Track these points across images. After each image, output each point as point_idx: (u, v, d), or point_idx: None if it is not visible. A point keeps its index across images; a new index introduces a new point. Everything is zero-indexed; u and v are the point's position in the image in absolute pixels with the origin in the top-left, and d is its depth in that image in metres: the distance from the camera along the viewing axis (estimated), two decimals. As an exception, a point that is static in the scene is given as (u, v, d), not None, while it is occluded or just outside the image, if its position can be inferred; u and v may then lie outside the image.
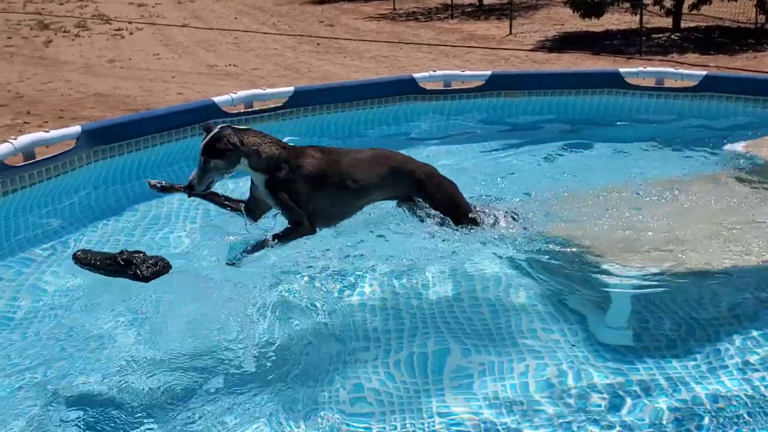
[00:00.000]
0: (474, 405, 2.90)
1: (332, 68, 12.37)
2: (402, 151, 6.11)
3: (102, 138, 5.31)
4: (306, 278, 3.72)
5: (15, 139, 4.83)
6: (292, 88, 6.47)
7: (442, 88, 6.85)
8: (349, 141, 6.45)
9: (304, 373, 3.10)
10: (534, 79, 7.03)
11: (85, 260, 3.47)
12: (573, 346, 3.28)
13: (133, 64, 13.06)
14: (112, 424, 2.87)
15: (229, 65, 12.80)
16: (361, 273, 3.79)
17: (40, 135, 5.02)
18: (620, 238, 3.91)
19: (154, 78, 11.66)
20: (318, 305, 3.54)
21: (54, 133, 5.09)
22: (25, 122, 8.89)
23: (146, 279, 3.42)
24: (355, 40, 15.74)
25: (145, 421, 2.88)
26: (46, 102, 10.04)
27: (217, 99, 6.07)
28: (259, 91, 6.41)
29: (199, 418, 2.87)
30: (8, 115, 9.27)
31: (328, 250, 3.86)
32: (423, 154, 6.07)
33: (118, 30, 17.47)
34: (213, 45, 15.29)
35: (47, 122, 8.70)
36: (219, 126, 3.65)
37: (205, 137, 3.59)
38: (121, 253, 3.47)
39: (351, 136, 6.55)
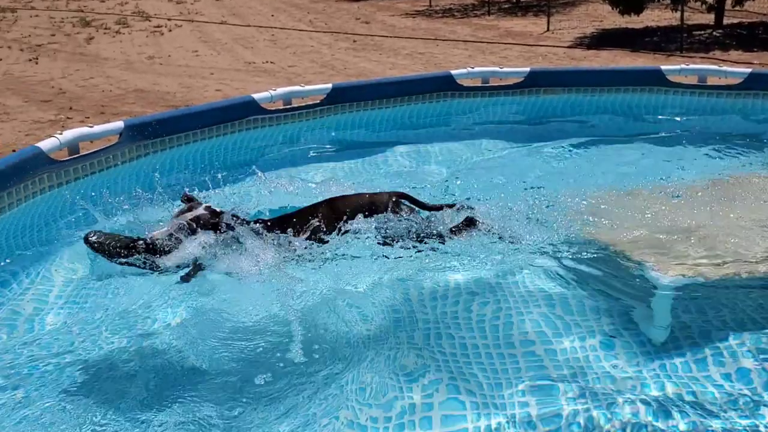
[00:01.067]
0: (516, 409, 2.88)
1: (368, 65, 12.39)
2: (438, 146, 6.18)
3: (144, 133, 5.39)
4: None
5: (60, 134, 4.92)
6: (329, 85, 6.49)
7: (480, 84, 6.81)
8: (386, 138, 6.47)
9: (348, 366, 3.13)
10: (574, 76, 6.94)
11: (100, 247, 3.42)
12: (612, 336, 3.28)
13: (172, 60, 13.24)
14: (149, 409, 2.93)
15: (267, 62, 12.89)
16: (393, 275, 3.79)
17: (84, 130, 5.10)
18: (662, 239, 3.84)
19: (192, 74, 11.80)
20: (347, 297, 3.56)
21: (98, 128, 5.18)
22: (68, 117, 9.07)
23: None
24: (391, 37, 15.75)
25: (186, 406, 2.93)
26: (87, 98, 10.23)
27: (256, 96, 6.12)
28: (297, 87, 6.45)
29: (234, 406, 2.90)
30: (52, 110, 9.47)
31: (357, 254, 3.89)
32: (460, 151, 6.08)
33: (158, 27, 17.72)
34: (250, 42, 15.42)
35: (89, 117, 8.86)
36: (203, 205, 3.75)
37: (186, 210, 3.71)
38: (137, 240, 3.44)
39: (388, 132, 6.56)
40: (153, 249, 3.55)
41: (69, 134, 4.96)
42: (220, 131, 5.83)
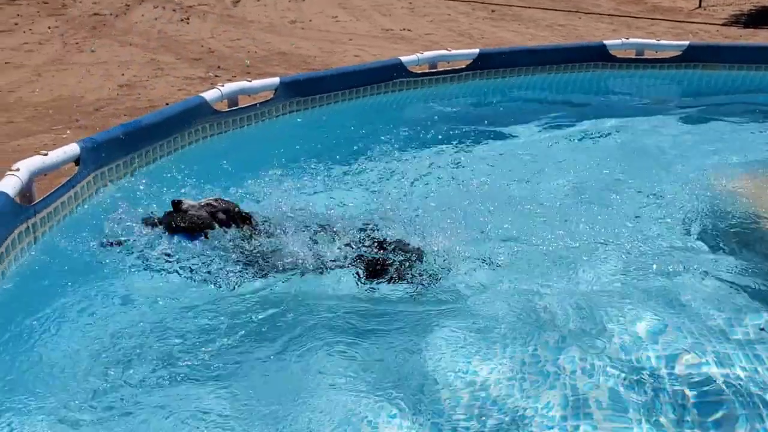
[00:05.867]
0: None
1: (506, 35, 12.15)
2: (584, 121, 5.98)
3: (298, 90, 5.56)
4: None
5: (222, 86, 5.16)
6: (476, 50, 6.43)
7: (633, 57, 6.54)
8: (529, 106, 6.35)
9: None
10: (737, 53, 6.53)
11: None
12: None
13: (313, 25, 13.53)
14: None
15: (404, 30, 12.92)
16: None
17: (243, 84, 5.32)
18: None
19: (332, 39, 12.01)
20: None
21: (256, 83, 5.39)
22: (216, 75, 9.46)
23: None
24: (530, 7, 15.35)
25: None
26: (234, 58, 10.63)
27: (404, 58, 6.17)
28: (444, 51, 6.43)
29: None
30: (202, 68, 9.92)
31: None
32: (607, 124, 5.88)
33: (299, -8, 18.12)
34: (388, 9, 15.48)
35: (235, 76, 9.21)
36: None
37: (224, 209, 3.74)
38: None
39: (532, 101, 6.44)
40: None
41: (230, 87, 5.19)
42: (368, 92, 5.93)
